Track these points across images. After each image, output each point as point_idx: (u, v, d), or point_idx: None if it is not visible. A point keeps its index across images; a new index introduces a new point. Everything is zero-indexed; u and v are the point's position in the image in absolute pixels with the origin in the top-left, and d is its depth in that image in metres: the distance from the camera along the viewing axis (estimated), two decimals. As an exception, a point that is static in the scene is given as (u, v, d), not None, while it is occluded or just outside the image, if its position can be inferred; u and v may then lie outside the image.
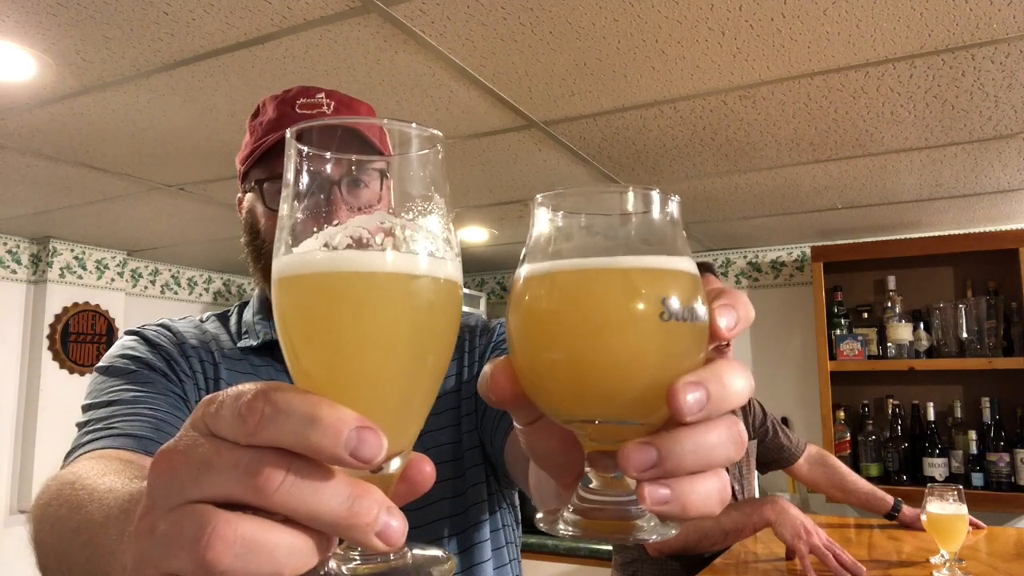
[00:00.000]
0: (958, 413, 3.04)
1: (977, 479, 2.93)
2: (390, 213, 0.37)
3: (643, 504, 0.36)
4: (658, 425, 0.38)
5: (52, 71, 1.59)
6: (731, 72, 1.63)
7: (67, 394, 3.26)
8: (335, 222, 0.37)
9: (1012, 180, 2.47)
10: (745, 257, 3.64)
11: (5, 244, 3.26)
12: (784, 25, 1.43)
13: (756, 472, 2.37)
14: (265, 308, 1.02)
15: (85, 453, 0.77)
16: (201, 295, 4.19)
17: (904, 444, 3.10)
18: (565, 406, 0.40)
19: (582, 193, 0.43)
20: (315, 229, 0.37)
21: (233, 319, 1.04)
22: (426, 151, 0.39)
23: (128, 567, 0.35)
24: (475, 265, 4.09)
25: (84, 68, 1.58)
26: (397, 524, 0.33)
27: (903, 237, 3.19)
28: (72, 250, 3.39)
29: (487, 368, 0.42)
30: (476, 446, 0.97)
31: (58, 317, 3.31)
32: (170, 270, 4.02)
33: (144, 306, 3.82)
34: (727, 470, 0.40)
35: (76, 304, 3.39)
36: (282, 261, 0.37)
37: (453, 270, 0.39)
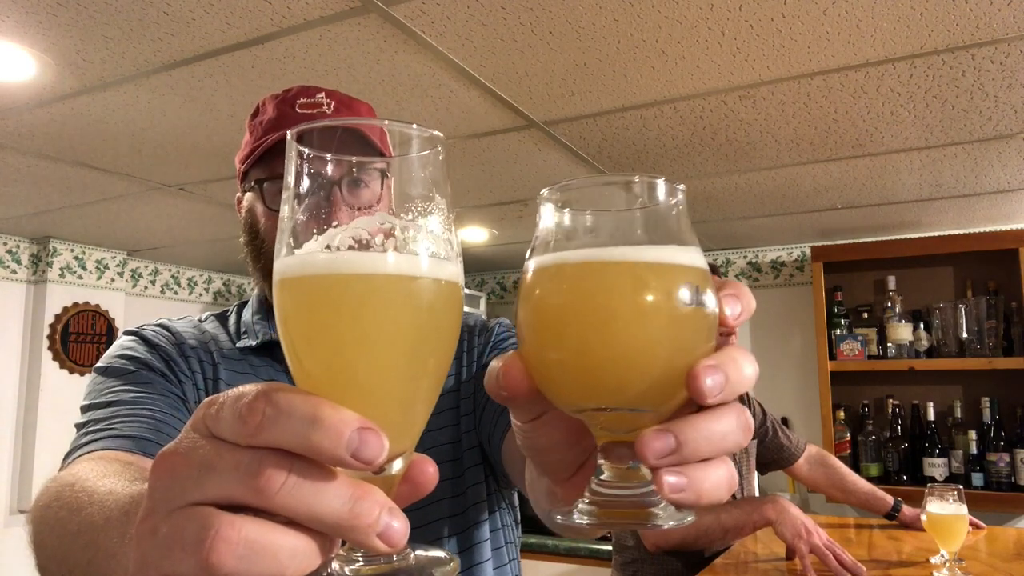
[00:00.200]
0: (958, 413, 3.04)
1: (977, 479, 2.93)
2: (391, 214, 0.37)
3: (660, 492, 0.37)
4: (669, 413, 0.39)
5: (52, 71, 1.59)
6: (731, 72, 1.63)
7: (67, 394, 3.26)
8: (336, 223, 0.37)
9: (1012, 180, 2.47)
10: (745, 257, 3.64)
11: (5, 244, 3.26)
12: (784, 25, 1.42)
13: (756, 472, 2.37)
14: (264, 308, 1.02)
15: (84, 455, 0.77)
16: (201, 295, 4.19)
17: (904, 444, 3.10)
18: (579, 396, 0.40)
19: (590, 183, 0.43)
20: (316, 230, 0.37)
21: (232, 319, 1.04)
22: (427, 152, 0.39)
23: (130, 570, 0.35)
24: (475, 265, 4.09)
25: (84, 68, 1.58)
26: (399, 525, 0.33)
27: (903, 237, 3.19)
28: (72, 250, 3.39)
29: (495, 364, 0.42)
30: (475, 446, 0.97)
31: (58, 317, 3.31)
32: (170, 270, 4.02)
33: (144, 306, 3.82)
34: None
35: (76, 304, 3.39)
36: (284, 262, 0.37)
37: (454, 271, 0.39)
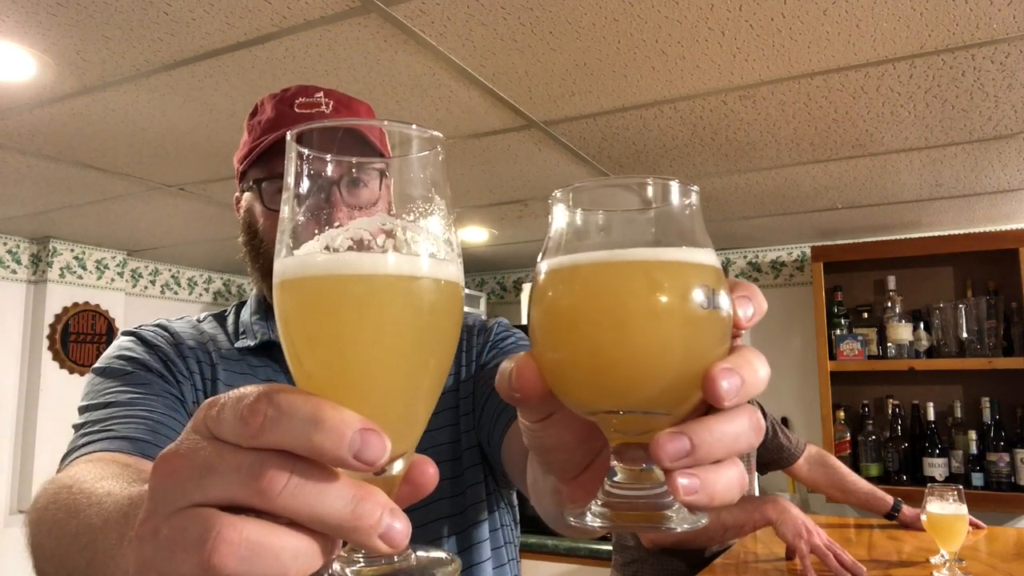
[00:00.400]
0: (958, 413, 3.04)
1: (977, 479, 2.93)
2: (391, 215, 0.37)
3: (674, 494, 0.37)
4: (683, 415, 0.39)
5: (52, 71, 1.59)
6: (731, 72, 1.63)
7: (67, 394, 3.26)
8: (336, 224, 0.37)
9: (1012, 180, 2.47)
10: (745, 257, 3.64)
11: (5, 244, 3.26)
12: (784, 25, 1.42)
13: (756, 472, 2.37)
14: (263, 308, 1.01)
15: (81, 456, 0.77)
16: (201, 295, 4.19)
17: (904, 444, 3.10)
18: (593, 398, 0.40)
19: (602, 185, 0.43)
20: (316, 231, 0.37)
21: (230, 319, 1.04)
22: (426, 152, 0.39)
23: (130, 572, 0.34)
24: (475, 265, 4.09)
25: (84, 68, 1.58)
26: (401, 526, 0.33)
27: (903, 237, 3.19)
28: (72, 250, 3.39)
29: (507, 365, 0.41)
30: (474, 446, 0.97)
31: (58, 317, 3.31)
32: (170, 270, 4.02)
33: (144, 306, 3.82)
34: None
35: (76, 304, 3.39)
36: (284, 263, 0.37)
37: (454, 272, 0.39)
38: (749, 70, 1.62)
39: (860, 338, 3.14)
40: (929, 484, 1.83)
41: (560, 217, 0.42)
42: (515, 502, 1.07)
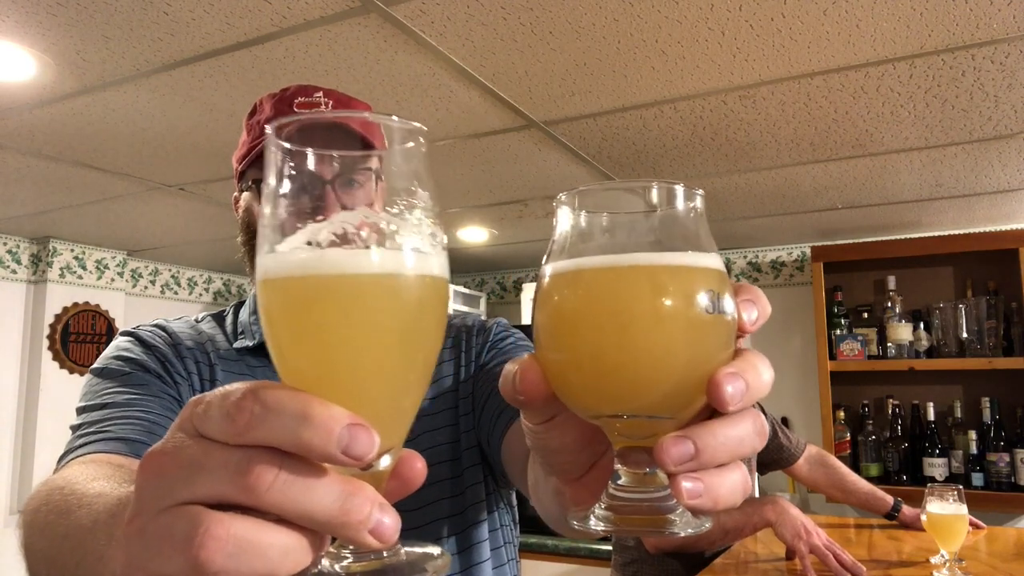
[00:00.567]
0: (958, 413, 3.04)
1: (977, 479, 2.93)
2: (373, 208, 0.37)
3: (678, 498, 0.37)
4: (687, 419, 0.39)
5: (52, 71, 1.59)
6: (731, 72, 1.63)
7: (67, 394, 3.26)
8: (320, 218, 0.36)
9: (1012, 180, 2.47)
10: (745, 257, 3.64)
11: (5, 244, 3.26)
12: (784, 25, 1.42)
13: (756, 472, 2.37)
14: None
15: (77, 457, 0.76)
16: (201, 295, 4.19)
17: (904, 444, 3.10)
18: (597, 402, 0.40)
19: (607, 188, 0.43)
20: (299, 225, 0.36)
21: (229, 319, 1.03)
22: (408, 145, 0.39)
23: (117, 571, 0.34)
24: (475, 265, 4.09)
25: (84, 68, 1.58)
26: (390, 521, 0.33)
27: (903, 237, 3.19)
28: (72, 250, 3.39)
29: (511, 368, 0.41)
30: (474, 446, 0.97)
31: (58, 317, 3.31)
32: (170, 270, 4.02)
33: (144, 306, 3.82)
34: None
35: (76, 304, 3.39)
36: (266, 261, 0.37)
37: (438, 265, 0.38)
38: (749, 70, 1.62)
39: (860, 338, 3.14)
40: (929, 484, 1.82)
41: (565, 220, 0.42)
42: (515, 502, 1.07)
